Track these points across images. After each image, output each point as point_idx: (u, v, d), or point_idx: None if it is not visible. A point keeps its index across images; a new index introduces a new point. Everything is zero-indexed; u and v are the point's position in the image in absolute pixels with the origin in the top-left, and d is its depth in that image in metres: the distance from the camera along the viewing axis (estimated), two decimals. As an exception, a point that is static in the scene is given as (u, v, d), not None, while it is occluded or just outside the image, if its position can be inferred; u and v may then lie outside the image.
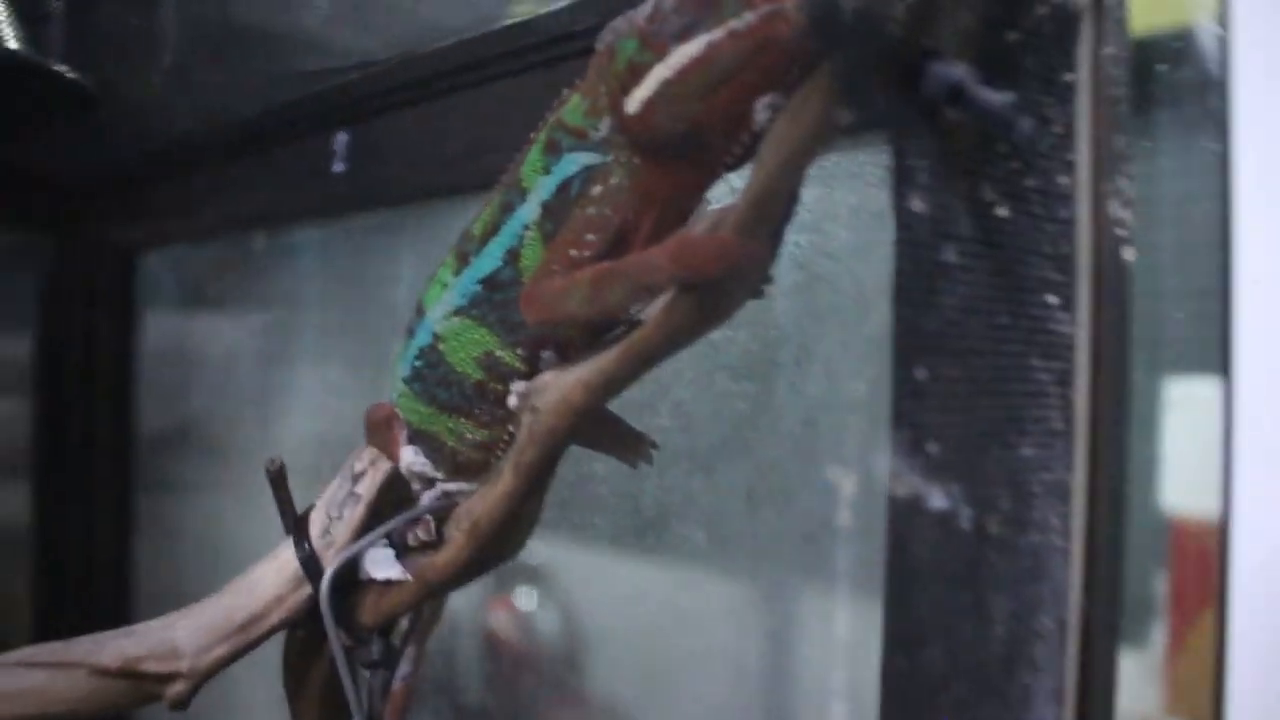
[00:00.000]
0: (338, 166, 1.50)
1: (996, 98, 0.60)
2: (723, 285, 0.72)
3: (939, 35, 0.63)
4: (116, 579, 2.26)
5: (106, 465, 2.26)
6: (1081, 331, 0.76)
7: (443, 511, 0.94)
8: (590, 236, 0.78)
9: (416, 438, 0.97)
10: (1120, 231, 0.78)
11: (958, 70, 0.59)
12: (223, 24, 1.28)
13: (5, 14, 1.43)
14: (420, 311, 0.96)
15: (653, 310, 0.77)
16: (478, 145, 1.28)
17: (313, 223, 1.79)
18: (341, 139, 1.50)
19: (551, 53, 1.19)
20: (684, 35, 0.71)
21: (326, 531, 0.92)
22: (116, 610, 2.24)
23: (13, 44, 1.47)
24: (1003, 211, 0.69)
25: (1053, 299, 0.74)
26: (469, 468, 0.96)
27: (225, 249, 2.09)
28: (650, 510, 1.12)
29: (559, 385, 0.80)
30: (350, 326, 1.79)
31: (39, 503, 2.30)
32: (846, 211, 0.93)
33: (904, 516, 0.68)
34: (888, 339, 0.93)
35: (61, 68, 1.55)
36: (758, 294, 0.76)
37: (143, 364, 2.25)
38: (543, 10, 1.19)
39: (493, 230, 0.88)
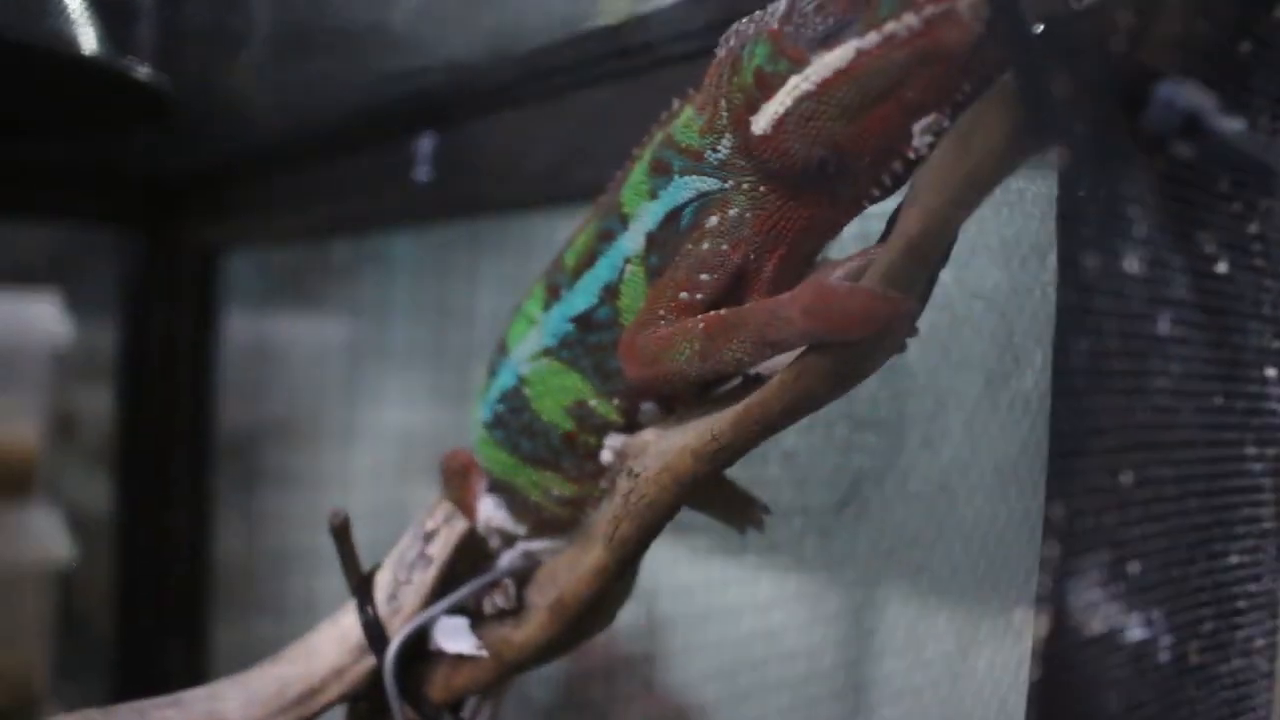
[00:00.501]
0: (421, 173, 1.41)
1: (1245, 137, 0.46)
2: (863, 344, 0.59)
3: (1161, 46, 0.49)
4: (194, 568, 2.26)
5: (186, 457, 2.26)
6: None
7: (523, 573, 0.84)
8: (704, 276, 0.67)
9: (496, 489, 0.87)
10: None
11: (1194, 94, 0.46)
12: (309, 24, 1.20)
13: (87, 15, 1.38)
14: (503, 349, 0.85)
15: (776, 367, 0.65)
16: (570, 156, 1.17)
17: (395, 230, 1.72)
18: (425, 144, 1.41)
19: (656, 56, 1.07)
20: (827, 41, 0.59)
21: (394, 596, 0.81)
22: (193, 600, 2.23)
23: (93, 45, 1.43)
24: (1220, 265, 0.55)
25: (1271, 371, 0.60)
26: (554, 525, 0.85)
27: (307, 252, 2.04)
28: (754, 562, 1.00)
29: (662, 450, 0.69)
30: (430, 333, 1.72)
31: (120, 492, 2.29)
32: (999, 244, 0.80)
33: (1064, 648, 0.55)
34: (1041, 395, 0.80)
35: (140, 70, 1.50)
36: (900, 349, 0.63)
37: (223, 361, 2.23)
38: (642, 8, 1.08)
39: (588, 261, 0.77)
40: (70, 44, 1.40)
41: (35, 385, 2.04)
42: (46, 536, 1.97)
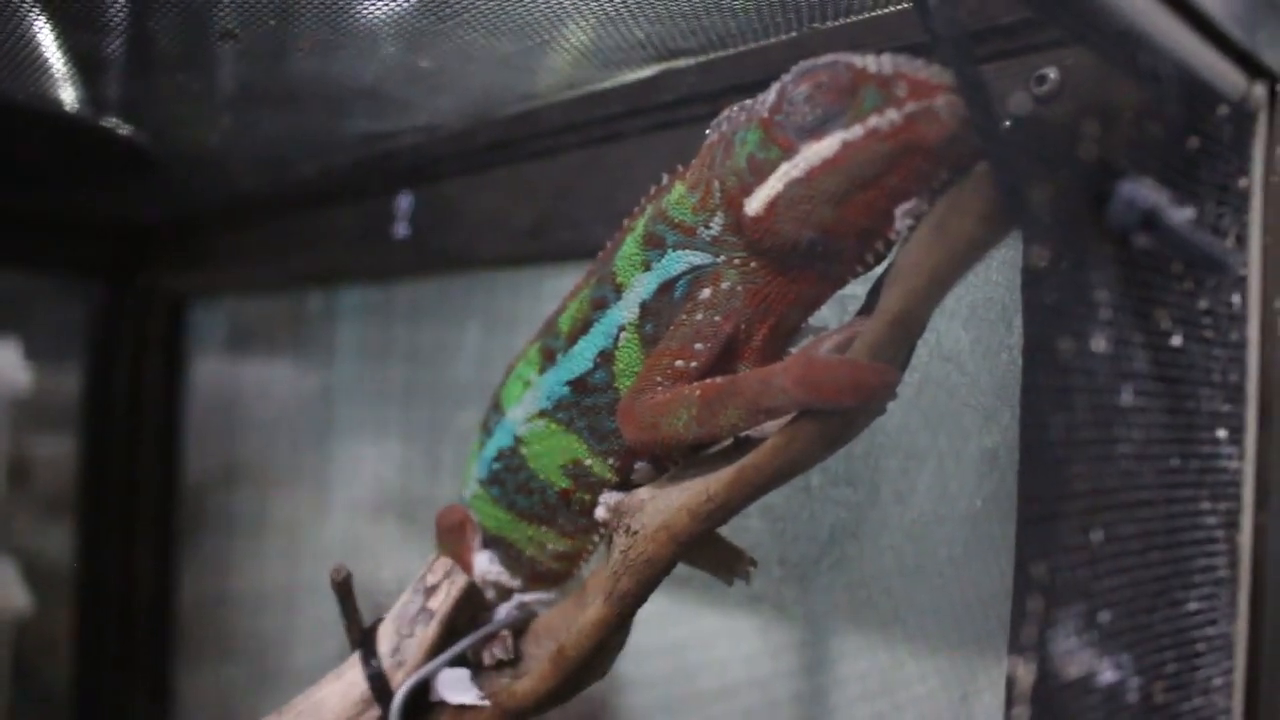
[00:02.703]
0: (400, 230, 1.44)
1: (1195, 227, 0.52)
2: (850, 411, 0.64)
3: (1117, 146, 0.55)
4: (158, 618, 2.25)
5: (150, 506, 2.25)
6: (1248, 466, 0.68)
7: (520, 625, 0.87)
8: (698, 345, 0.71)
9: (491, 543, 0.90)
10: (1289, 350, 0.69)
11: (1151, 193, 0.51)
12: (289, 83, 1.23)
13: (66, 71, 1.41)
14: (499, 409, 0.89)
15: (766, 430, 0.69)
16: (548, 216, 1.21)
17: (370, 283, 1.74)
18: (405, 201, 1.44)
19: (629, 124, 1.12)
20: (816, 132, 0.63)
21: (397, 649, 0.84)
22: (155, 648, 2.21)
23: (76, 103, 1.45)
24: (1175, 338, 0.61)
25: (1222, 433, 0.65)
26: (548, 578, 0.89)
27: (279, 303, 2.05)
28: (740, 610, 1.04)
29: (659, 508, 0.73)
30: (403, 381, 1.74)
31: (83, 541, 2.27)
32: (966, 310, 0.85)
33: (1046, 692, 0.59)
34: (1007, 450, 0.85)
35: (115, 124, 1.53)
36: (881, 413, 0.68)
37: (191, 407, 2.23)
38: (612, 82, 1.13)
39: (583, 328, 0.81)
40: (54, 102, 1.42)
41: None
42: (3, 587, 1.95)
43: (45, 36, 1.24)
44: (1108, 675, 0.55)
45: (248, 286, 2.06)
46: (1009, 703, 0.49)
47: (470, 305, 1.51)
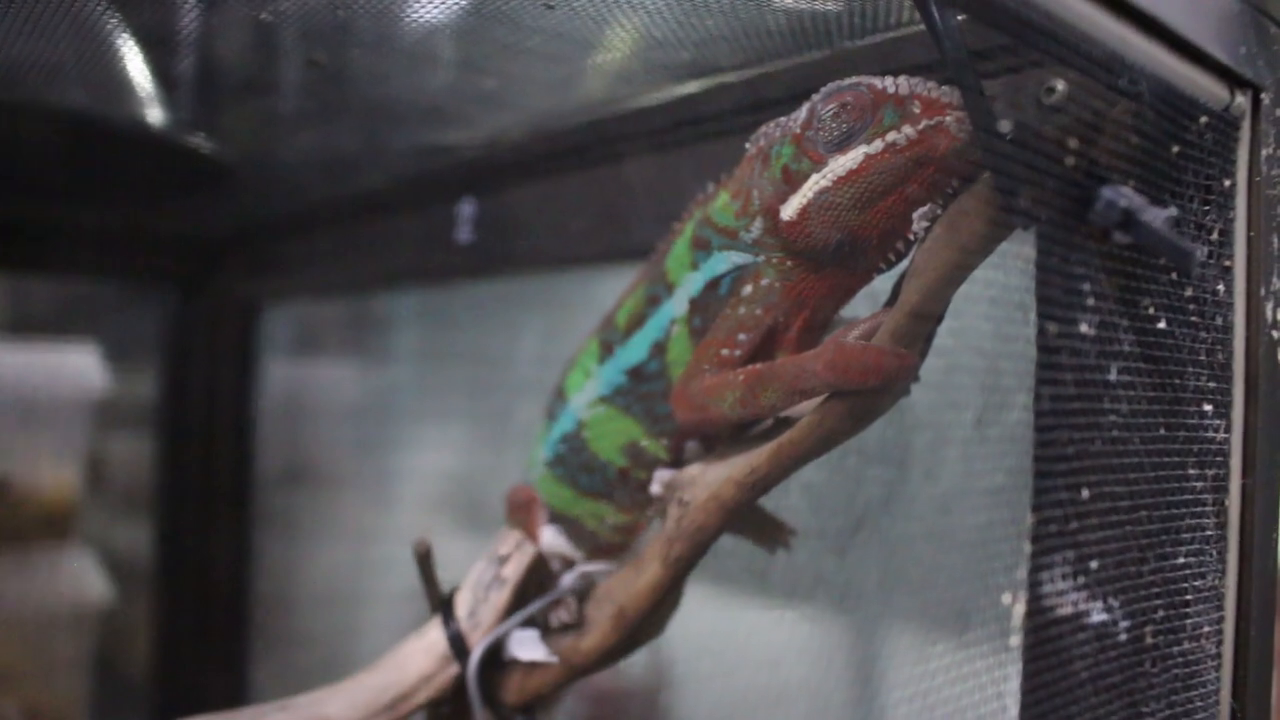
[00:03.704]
0: (463, 235, 1.54)
1: (1168, 225, 0.60)
2: (876, 391, 0.72)
3: (1106, 154, 0.63)
4: (233, 609, 2.33)
5: (224, 503, 2.33)
6: (1235, 436, 0.75)
7: (582, 592, 0.96)
8: (742, 336, 0.80)
9: (556, 519, 1.00)
10: (1275, 334, 0.77)
11: (1129, 196, 0.59)
12: (362, 101, 1.33)
13: (154, 93, 1.50)
14: (562, 396, 0.98)
15: (802, 410, 0.78)
16: (604, 222, 1.31)
17: (433, 287, 1.84)
18: (467, 209, 1.54)
19: (676, 136, 1.22)
20: (842, 146, 0.72)
21: (473, 612, 0.94)
22: (232, 645, 2.30)
23: (157, 121, 1.54)
24: (1161, 323, 0.69)
25: (1208, 407, 0.73)
26: (608, 549, 0.98)
27: (345, 307, 2.15)
28: (779, 587, 1.12)
29: (708, 481, 0.82)
30: (467, 382, 1.82)
31: (160, 536, 2.37)
32: (987, 301, 0.93)
33: (1045, 621, 0.68)
34: (1025, 430, 0.93)
35: (198, 143, 1.62)
36: (905, 394, 0.76)
37: (262, 410, 2.32)
38: (660, 98, 1.22)
39: (638, 322, 0.90)
40: (140, 122, 1.53)
41: (73, 433, 2.10)
42: (83, 579, 2.03)
43: (134, 60, 1.32)
44: (1098, 615, 0.63)
45: (315, 292, 2.16)
46: (1009, 632, 0.57)
47: (529, 306, 1.61)
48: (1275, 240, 0.77)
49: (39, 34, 1.14)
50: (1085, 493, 0.60)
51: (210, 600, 2.32)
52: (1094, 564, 0.62)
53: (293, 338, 2.35)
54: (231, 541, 2.34)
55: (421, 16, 1.06)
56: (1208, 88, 0.72)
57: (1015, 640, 0.57)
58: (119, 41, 1.24)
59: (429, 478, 1.98)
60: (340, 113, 1.43)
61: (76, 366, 2.06)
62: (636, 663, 1.32)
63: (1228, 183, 0.74)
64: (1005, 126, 0.61)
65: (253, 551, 2.33)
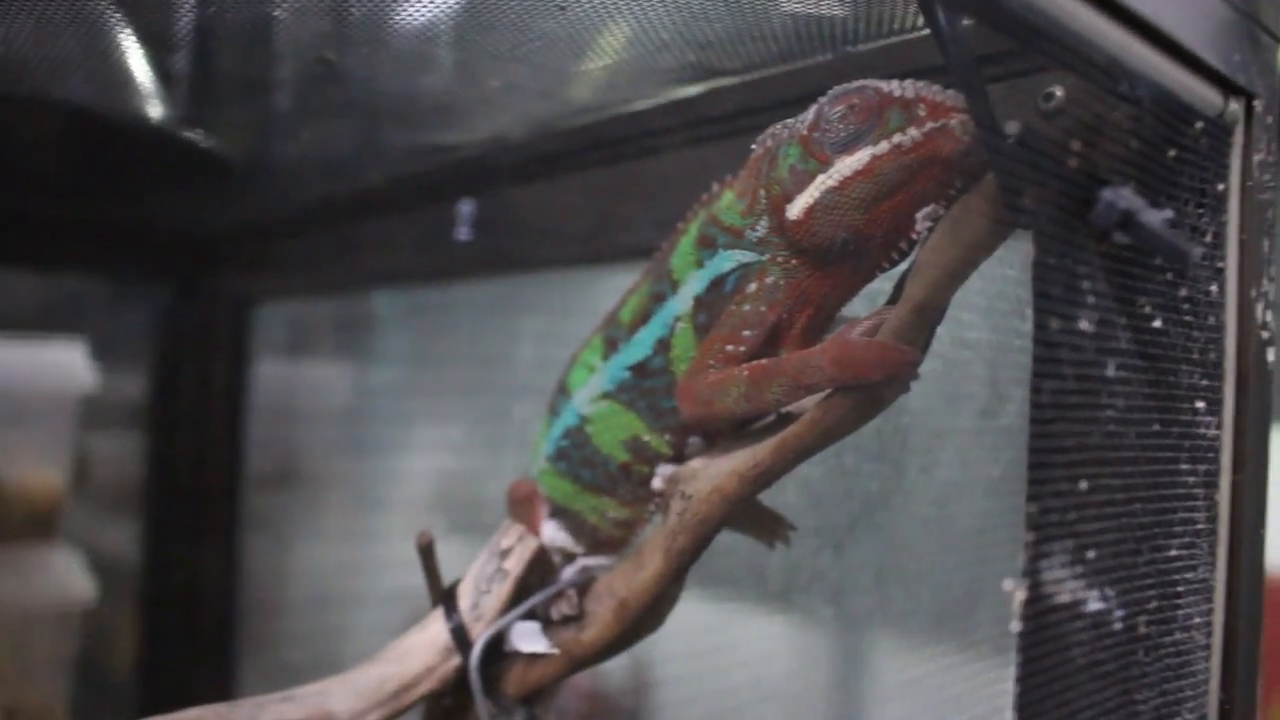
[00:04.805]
0: (462, 234, 1.55)
1: (1166, 226, 0.62)
2: (878, 386, 0.74)
3: (1105, 157, 0.65)
4: (220, 615, 2.33)
5: (214, 502, 2.32)
6: (1226, 433, 0.78)
7: (583, 585, 0.98)
8: (746, 332, 0.81)
9: (557, 514, 1.01)
10: (1264, 335, 0.79)
11: (1129, 198, 0.61)
12: (367, 99, 1.34)
13: (152, 83, 1.50)
14: (565, 391, 1.00)
15: (804, 406, 0.80)
16: (606, 222, 1.32)
17: (431, 286, 1.85)
18: (467, 207, 1.55)
19: (677, 137, 1.23)
20: (848, 147, 0.74)
21: (475, 604, 0.95)
22: (218, 646, 2.30)
23: (157, 116, 1.55)
24: (1156, 322, 0.71)
25: (1201, 404, 0.75)
26: (608, 543, 1.00)
27: (341, 305, 2.16)
28: (776, 583, 1.14)
29: (711, 474, 0.83)
30: (466, 381, 1.83)
31: (148, 535, 2.35)
32: (984, 301, 0.95)
33: (1045, 608, 0.69)
34: (1021, 427, 0.95)
35: (198, 137, 1.63)
36: (906, 389, 0.78)
37: (255, 408, 2.31)
38: (662, 99, 1.24)
39: (642, 319, 0.92)
40: (138, 116, 1.53)
41: (59, 430, 2.08)
42: (68, 577, 2.01)
43: (135, 56, 1.32)
44: (1094, 604, 0.65)
45: (311, 291, 2.16)
46: (1009, 617, 0.59)
47: (528, 305, 1.62)
48: (1266, 243, 0.80)
49: (44, 29, 1.14)
50: (1083, 484, 0.62)
51: (197, 600, 2.31)
52: (1091, 554, 0.64)
53: (287, 337, 2.35)
54: (220, 541, 2.33)
55: (428, 17, 1.07)
56: (1203, 94, 0.74)
57: (1016, 626, 0.58)
58: (122, 37, 1.24)
59: (423, 479, 1.99)
60: (341, 111, 1.44)
61: (65, 363, 2.05)
62: (619, 664, 1.33)
63: (1221, 187, 0.76)
64: (1013, 128, 0.62)
65: (241, 551, 2.32)
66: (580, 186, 1.35)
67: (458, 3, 1.06)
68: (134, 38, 1.25)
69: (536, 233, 1.43)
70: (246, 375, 2.32)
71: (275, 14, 1.11)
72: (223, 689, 2.23)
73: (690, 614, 1.00)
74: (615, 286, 0.98)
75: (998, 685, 0.96)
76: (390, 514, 2.05)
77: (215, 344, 2.33)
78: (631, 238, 1.24)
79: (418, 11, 1.06)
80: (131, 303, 2.47)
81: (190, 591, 2.33)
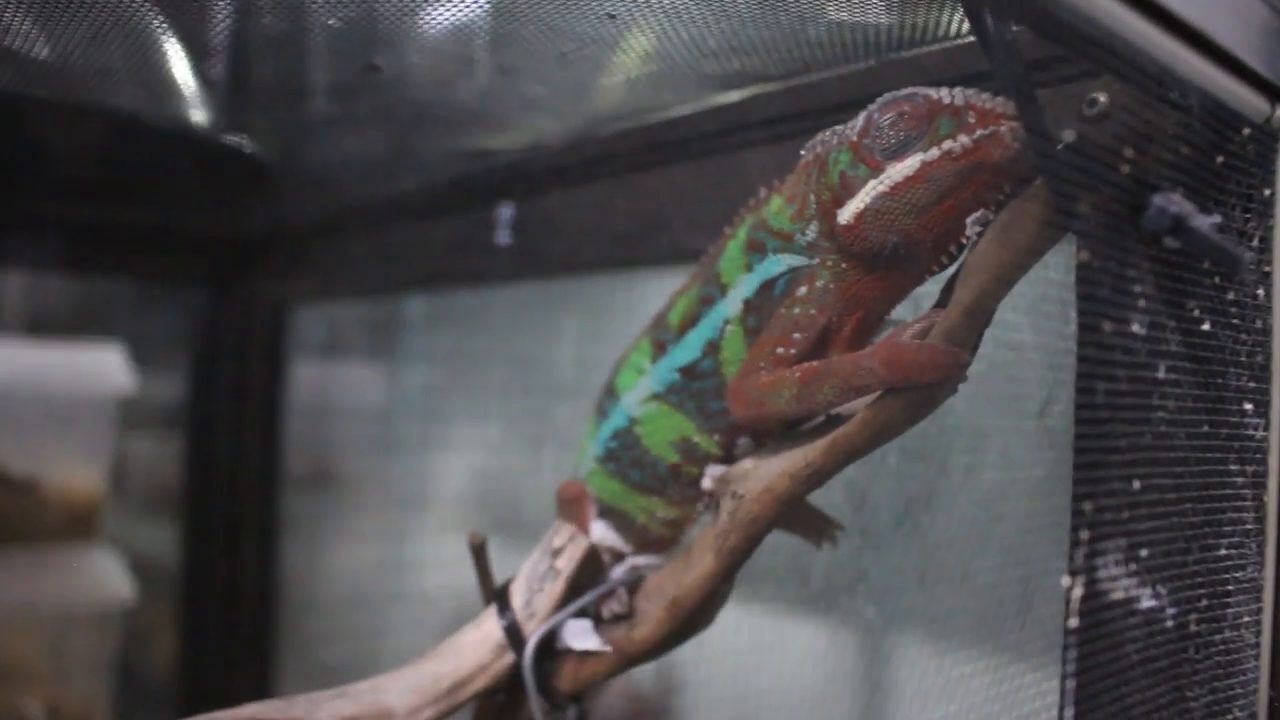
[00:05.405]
0: (502, 238, 1.57)
1: (1217, 232, 0.63)
2: (928, 388, 0.76)
3: (1154, 162, 0.67)
4: (258, 615, 2.35)
5: (252, 502, 2.36)
6: (1273, 435, 0.78)
7: (633, 584, 1.00)
8: (796, 335, 0.83)
9: (606, 514, 1.03)
10: (1311, 336, 0.80)
11: (1179, 203, 0.63)
12: (410, 105, 1.36)
13: (194, 90, 1.52)
14: (613, 393, 1.01)
15: (854, 408, 0.81)
16: (646, 225, 1.34)
17: (470, 289, 1.87)
18: (505, 212, 1.57)
19: (720, 143, 1.25)
20: (898, 153, 0.76)
21: (528, 603, 0.97)
22: (257, 646, 2.33)
23: (196, 117, 1.57)
24: (1205, 325, 0.72)
25: (1249, 406, 0.76)
26: (656, 543, 1.01)
27: (379, 308, 2.18)
28: (818, 583, 1.16)
29: (762, 475, 0.85)
30: (504, 384, 1.85)
31: (187, 535, 2.39)
32: (1027, 304, 0.96)
33: (1100, 605, 0.71)
34: (1065, 429, 0.96)
35: (240, 142, 1.66)
36: (954, 392, 0.80)
37: (292, 409, 2.34)
38: (705, 104, 1.25)
39: (691, 321, 0.93)
40: (182, 122, 1.56)
41: (99, 432, 2.11)
42: (108, 578, 2.04)
43: (179, 64, 1.34)
44: (1147, 602, 0.67)
45: (348, 293, 2.18)
46: (1066, 614, 0.61)
47: (566, 307, 1.64)
48: (1311, 247, 0.80)
49: (96, 40, 1.17)
50: (1136, 484, 0.63)
51: (235, 600, 2.34)
52: (1144, 552, 0.65)
53: (323, 339, 2.37)
54: (257, 542, 2.36)
55: (471, 23, 1.09)
56: (1249, 100, 0.75)
57: (1074, 622, 0.60)
58: (168, 45, 1.27)
59: (460, 479, 2.00)
60: (383, 116, 1.46)
61: (104, 366, 2.08)
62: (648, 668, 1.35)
63: (1268, 192, 0.77)
64: (1068, 135, 0.64)
65: (278, 551, 2.34)
66: (619, 190, 1.37)
67: (498, 6, 1.07)
68: (179, 46, 1.27)
69: (575, 235, 1.45)
70: (283, 377, 2.34)
71: (322, 22, 1.13)
72: (261, 688, 2.25)
73: (731, 613, 1.01)
74: (654, 289, 0.99)
75: (1040, 686, 0.98)
76: (426, 514, 2.06)
77: (252, 346, 2.35)
78: (670, 241, 1.26)
79: (458, 14, 1.07)
80: (169, 305, 2.50)
81: (228, 592, 2.36)
